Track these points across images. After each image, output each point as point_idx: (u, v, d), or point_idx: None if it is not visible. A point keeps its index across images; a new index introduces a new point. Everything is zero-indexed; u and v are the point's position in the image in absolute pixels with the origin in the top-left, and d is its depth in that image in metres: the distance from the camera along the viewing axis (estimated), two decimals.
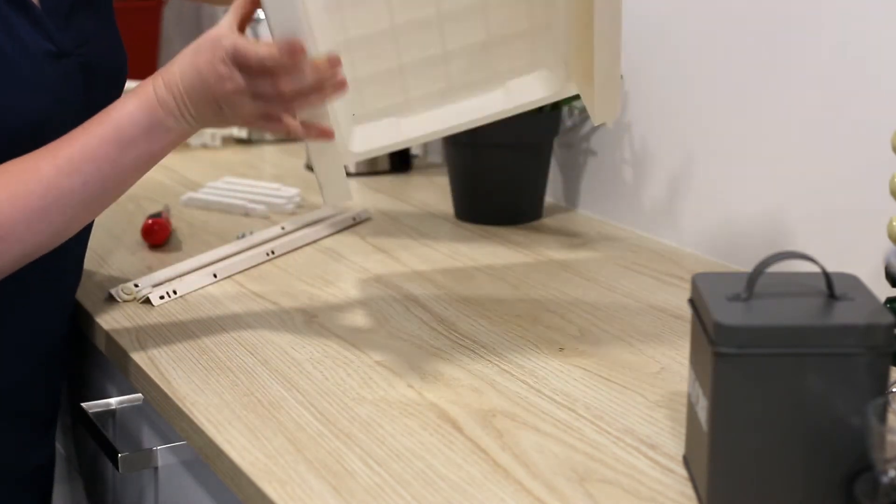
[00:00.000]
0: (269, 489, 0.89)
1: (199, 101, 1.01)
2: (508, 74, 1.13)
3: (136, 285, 1.28)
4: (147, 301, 1.27)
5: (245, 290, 1.32)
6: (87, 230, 1.23)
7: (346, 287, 1.33)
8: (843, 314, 0.81)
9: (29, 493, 1.27)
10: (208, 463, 0.99)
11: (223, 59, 0.99)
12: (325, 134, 1.03)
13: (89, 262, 1.41)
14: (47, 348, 1.24)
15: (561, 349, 1.14)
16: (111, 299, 1.27)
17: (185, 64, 1.02)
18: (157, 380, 1.08)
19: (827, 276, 0.83)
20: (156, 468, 1.20)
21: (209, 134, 2.05)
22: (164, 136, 1.03)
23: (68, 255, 1.18)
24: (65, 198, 1.02)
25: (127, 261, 1.43)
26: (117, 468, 1.17)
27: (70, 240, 1.09)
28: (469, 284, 1.34)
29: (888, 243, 1.03)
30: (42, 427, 1.28)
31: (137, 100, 1.03)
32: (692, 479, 0.89)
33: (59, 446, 1.57)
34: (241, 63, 0.99)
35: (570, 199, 1.66)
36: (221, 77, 0.99)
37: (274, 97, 1.00)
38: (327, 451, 0.94)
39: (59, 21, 1.11)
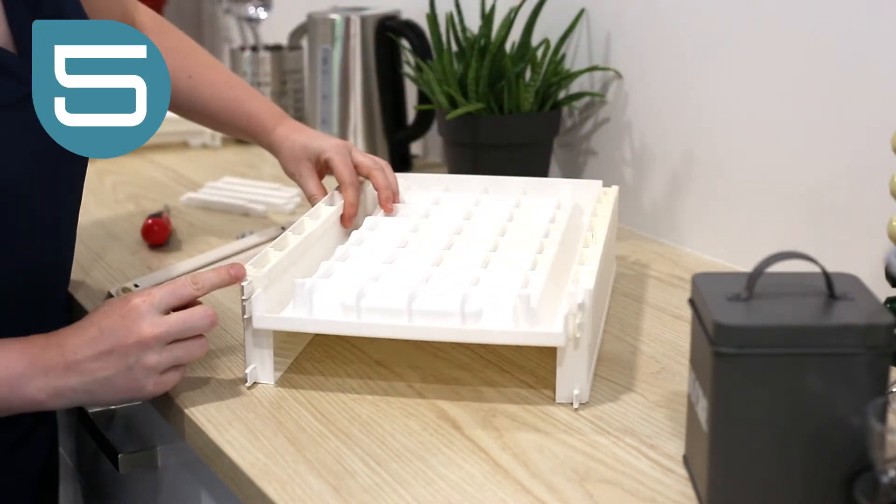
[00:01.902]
0: (269, 489, 0.89)
1: (95, 359, 0.97)
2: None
3: (136, 285, 1.28)
4: None
5: None
6: (72, 234, 1.24)
7: None
8: (843, 314, 0.81)
9: (28, 493, 1.27)
10: (208, 463, 0.99)
11: (142, 304, 0.98)
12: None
13: (90, 262, 1.41)
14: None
15: None
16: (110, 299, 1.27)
17: (82, 325, 0.99)
18: None
19: (827, 276, 0.83)
20: (156, 468, 1.20)
21: (209, 134, 2.05)
22: (27, 399, 0.97)
23: (57, 258, 1.18)
24: None
25: (127, 261, 1.43)
26: (117, 468, 1.17)
27: (54, 242, 1.12)
28: None
29: (888, 243, 1.03)
30: (39, 426, 1.28)
31: (22, 345, 0.98)
32: (692, 479, 0.89)
33: (59, 447, 1.56)
34: (172, 300, 1.00)
35: None
36: (137, 323, 0.97)
37: (196, 324, 1.00)
38: (327, 451, 0.94)
39: None
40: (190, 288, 1.01)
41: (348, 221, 1.28)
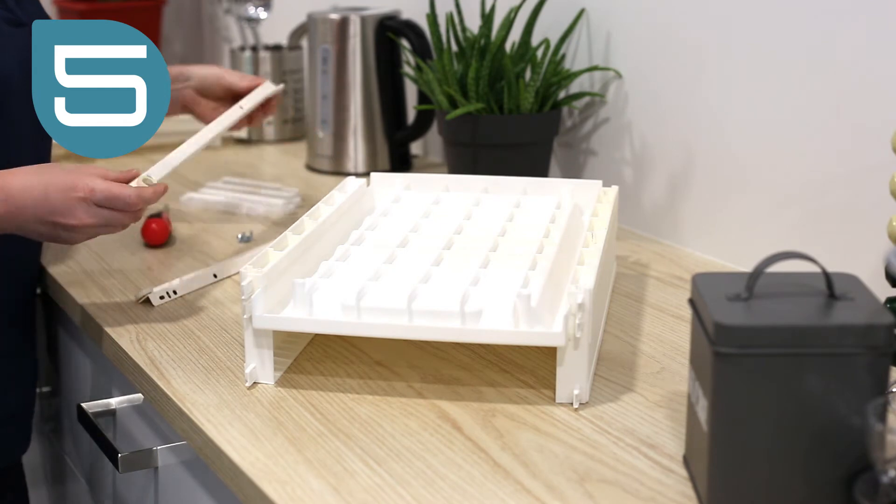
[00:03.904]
0: (269, 489, 0.89)
1: (33, 219, 1.12)
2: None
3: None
4: (147, 301, 1.27)
5: None
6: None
7: None
8: (843, 314, 0.81)
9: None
10: (208, 463, 0.99)
11: (84, 198, 1.12)
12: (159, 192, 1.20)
13: (90, 262, 1.41)
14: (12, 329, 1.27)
15: None
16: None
17: (31, 181, 1.12)
18: (157, 380, 1.08)
19: (827, 276, 0.83)
20: (156, 468, 1.20)
21: None
22: None
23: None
24: None
25: (127, 261, 1.42)
26: (117, 468, 1.17)
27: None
28: None
29: (888, 243, 1.03)
30: (15, 422, 1.30)
31: None
32: (692, 479, 0.89)
33: (59, 447, 1.57)
34: (106, 203, 1.14)
35: None
36: (75, 210, 1.12)
37: (121, 222, 1.16)
38: (327, 451, 0.94)
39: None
40: (123, 205, 1.14)
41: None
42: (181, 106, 1.53)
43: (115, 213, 1.14)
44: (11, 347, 1.33)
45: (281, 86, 1.54)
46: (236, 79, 1.52)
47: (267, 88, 1.51)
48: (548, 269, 1.08)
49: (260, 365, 1.06)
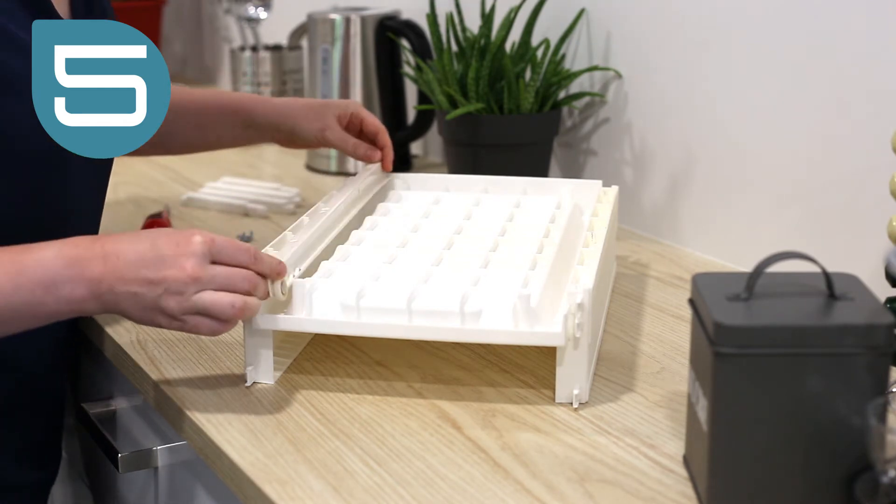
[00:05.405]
0: (269, 489, 0.89)
1: (134, 277, 0.96)
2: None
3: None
4: None
5: None
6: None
7: None
8: (843, 314, 0.81)
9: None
10: (208, 463, 0.99)
11: (198, 249, 0.96)
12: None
13: None
14: (49, 349, 1.24)
15: None
16: None
17: (136, 238, 0.97)
18: (157, 380, 1.08)
19: (827, 276, 0.83)
20: (156, 468, 1.20)
21: None
22: (63, 300, 0.95)
23: None
24: None
25: None
26: (117, 468, 1.17)
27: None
28: None
29: (888, 243, 1.03)
30: (44, 438, 1.28)
31: (59, 247, 0.97)
32: (692, 479, 0.89)
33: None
34: (227, 257, 0.97)
35: None
36: (185, 262, 0.95)
37: (241, 278, 0.98)
38: (327, 451, 0.94)
39: None
40: (247, 258, 0.99)
41: (391, 165, 1.39)
42: (271, 139, 1.45)
43: (232, 270, 0.97)
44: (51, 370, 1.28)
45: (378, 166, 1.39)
46: (340, 140, 1.38)
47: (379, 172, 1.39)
48: (548, 269, 1.08)
49: (260, 365, 1.06)
